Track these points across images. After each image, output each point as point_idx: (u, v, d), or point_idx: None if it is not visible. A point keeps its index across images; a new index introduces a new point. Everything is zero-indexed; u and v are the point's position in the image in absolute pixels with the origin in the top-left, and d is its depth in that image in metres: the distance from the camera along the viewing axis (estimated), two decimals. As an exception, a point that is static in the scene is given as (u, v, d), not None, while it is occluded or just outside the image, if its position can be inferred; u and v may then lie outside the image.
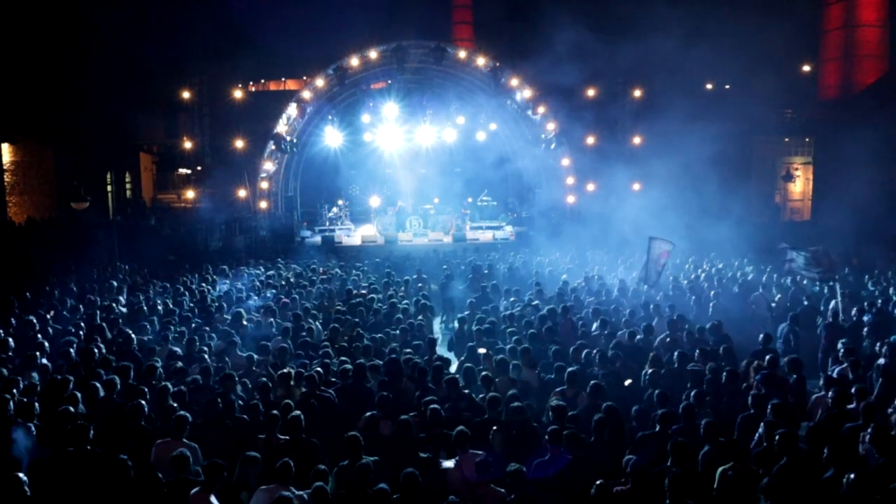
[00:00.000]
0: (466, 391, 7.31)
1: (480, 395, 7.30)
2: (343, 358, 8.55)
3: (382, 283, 14.32)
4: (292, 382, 7.65)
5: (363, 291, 13.14)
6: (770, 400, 6.57)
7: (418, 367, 7.92)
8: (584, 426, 6.34)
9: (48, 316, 11.23)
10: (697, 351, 8.49)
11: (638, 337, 9.42)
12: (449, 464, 5.50)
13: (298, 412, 6.40)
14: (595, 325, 10.19)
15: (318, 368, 7.98)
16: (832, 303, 11.86)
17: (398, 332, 10.07)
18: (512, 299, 12.24)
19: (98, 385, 7.24)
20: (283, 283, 14.50)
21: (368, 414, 6.53)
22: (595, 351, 8.53)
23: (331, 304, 12.38)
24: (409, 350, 8.89)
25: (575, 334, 9.93)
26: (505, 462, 5.47)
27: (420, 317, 11.03)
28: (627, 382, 7.87)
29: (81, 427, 5.93)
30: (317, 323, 10.86)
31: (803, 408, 7.29)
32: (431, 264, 17.20)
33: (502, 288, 13.58)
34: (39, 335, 9.70)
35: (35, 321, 10.27)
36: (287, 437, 6.29)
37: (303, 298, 12.62)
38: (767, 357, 8.01)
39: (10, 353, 8.85)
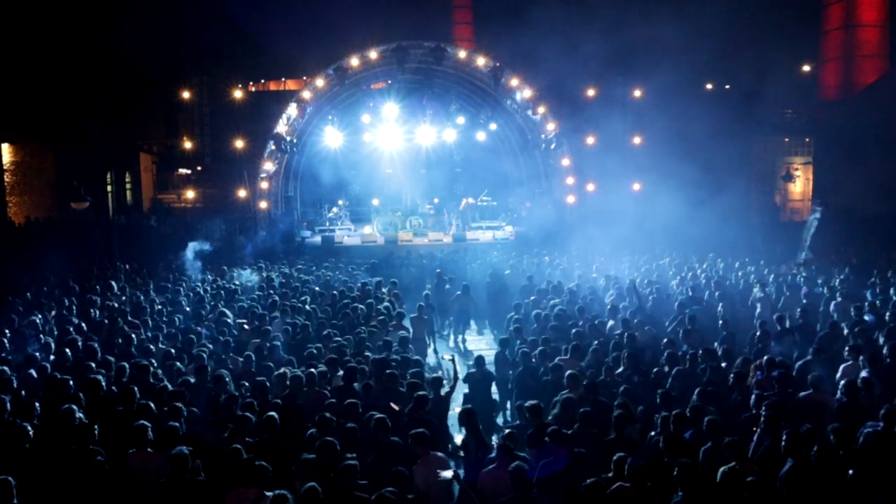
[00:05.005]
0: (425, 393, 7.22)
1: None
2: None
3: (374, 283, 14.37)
4: (288, 383, 7.64)
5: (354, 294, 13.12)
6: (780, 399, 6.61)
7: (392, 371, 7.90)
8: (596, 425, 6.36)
9: (49, 315, 11.25)
10: (701, 350, 8.49)
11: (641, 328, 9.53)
12: (447, 474, 5.49)
13: (273, 413, 6.39)
14: (610, 325, 10.31)
15: (312, 370, 7.97)
16: (832, 304, 11.89)
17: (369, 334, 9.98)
18: (532, 298, 12.29)
19: (98, 385, 7.24)
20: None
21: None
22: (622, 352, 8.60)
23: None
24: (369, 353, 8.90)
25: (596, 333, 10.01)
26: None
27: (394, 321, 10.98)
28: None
29: (85, 426, 5.94)
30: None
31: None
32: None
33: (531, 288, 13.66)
34: (41, 335, 9.71)
35: (35, 321, 10.28)
36: (258, 437, 6.24)
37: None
38: (767, 358, 8.03)
39: (10, 354, 8.85)
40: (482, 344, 13.96)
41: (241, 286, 14.27)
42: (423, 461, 5.70)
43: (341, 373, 7.98)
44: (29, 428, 5.90)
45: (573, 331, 9.71)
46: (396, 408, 6.99)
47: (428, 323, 11.67)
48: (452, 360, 8.16)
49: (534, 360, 8.60)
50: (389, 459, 5.72)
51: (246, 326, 10.66)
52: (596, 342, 9.05)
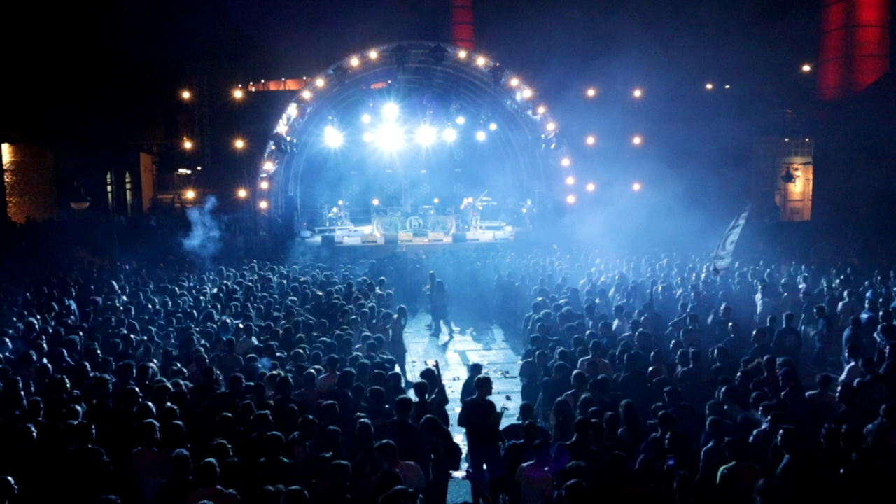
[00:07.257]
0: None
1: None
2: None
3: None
4: (278, 381, 7.60)
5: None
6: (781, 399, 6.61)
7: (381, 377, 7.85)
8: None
9: (49, 316, 11.24)
10: (716, 350, 8.49)
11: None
12: (459, 474, 5.45)
13: (266, 412, 6.37)
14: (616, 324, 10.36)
15: (311, 370, 7.96)
16: (840, 304, 11.88)
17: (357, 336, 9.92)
18: (539, 298, 12.31)
19: (101, 385, 7.23)
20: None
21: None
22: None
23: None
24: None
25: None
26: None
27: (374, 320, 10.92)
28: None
29: (83, 426, 5.94)
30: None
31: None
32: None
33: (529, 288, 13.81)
34: (42, 336, 9.70)
35: (35, 322, 10.26)
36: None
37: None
38: (767, 358, 8.04)
39: (10, 353, 8.84)
40: (469, 345, 14.19)
41: (261, 284, 14.18)
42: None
43: (325, 374, 8.01)
44: (32, 428, 5.90)
45: (587, 332, 9.67)
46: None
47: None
48: (436, 367, 8.02)
49: (560, 361, 8.43)
50: (374, 462, 5.68)
51: (241, 326, 10.64)
52: (621, 343, 9.07)
